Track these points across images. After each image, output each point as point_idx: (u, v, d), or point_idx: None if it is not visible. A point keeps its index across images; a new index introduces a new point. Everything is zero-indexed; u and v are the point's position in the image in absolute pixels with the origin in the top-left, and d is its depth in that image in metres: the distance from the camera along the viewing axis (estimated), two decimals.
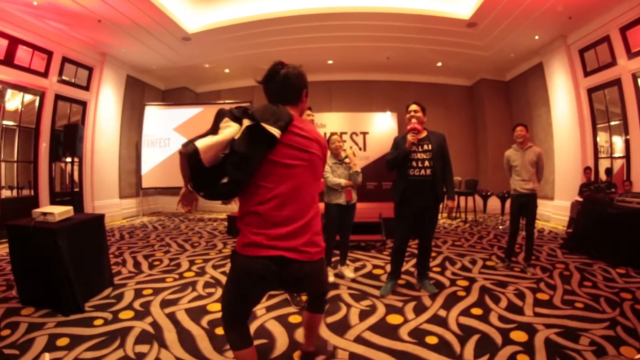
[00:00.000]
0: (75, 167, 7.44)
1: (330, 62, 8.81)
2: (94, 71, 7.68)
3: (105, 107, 7.94)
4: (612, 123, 6.60)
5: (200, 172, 1.38)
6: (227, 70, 9.31)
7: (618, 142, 6.56)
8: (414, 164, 3.20)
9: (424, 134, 3.28)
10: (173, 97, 10.10)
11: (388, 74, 9.35)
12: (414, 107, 3.28)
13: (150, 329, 2.56)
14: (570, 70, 7.07)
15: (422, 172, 3.18)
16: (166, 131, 8.83)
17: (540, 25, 6.52)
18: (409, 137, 3.14)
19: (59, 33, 6.58)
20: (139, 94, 9.25)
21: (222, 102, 9.52)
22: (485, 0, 5.76)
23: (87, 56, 7.38)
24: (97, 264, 3.29)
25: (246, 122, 1.40)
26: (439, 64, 8.83)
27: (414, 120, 3.22)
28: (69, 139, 6.47)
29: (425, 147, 3.21)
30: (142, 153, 8.80)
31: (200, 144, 1.35)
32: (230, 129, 1.41)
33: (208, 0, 6.51)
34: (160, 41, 7.18)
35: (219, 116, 1.47)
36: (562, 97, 7.33)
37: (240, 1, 6.52)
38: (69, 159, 7.17)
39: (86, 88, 7.57)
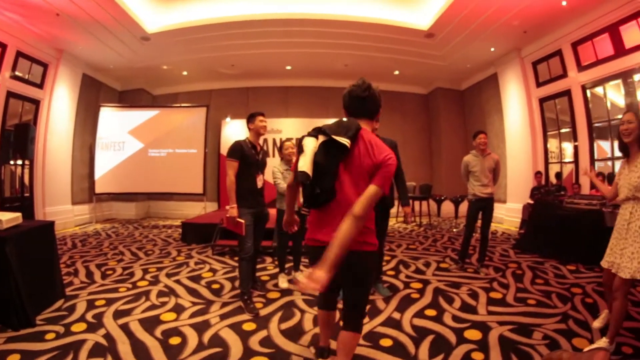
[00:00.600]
0: (26, 171, 6.99)
1: (288, 67, 8.84)
2: (49, 68, 7.27)
3: (59, 106, 7.52)
4: (562, 130, 7.04)
5: (311, 190, 1.63)
6: (185, 73, 9.12)
7: (568, 148, 6.98)
8: None
9: None
10: (129, 98, 9.70)
11: (346, 80, 9.26)
12: None
13: (103, 342, 2.46)
14: (524, 80, 7.48)
15: None
16: (121, 134, 8.50)
17: (496, 37, 6.84)
18: None
19: (14, 25, 6.15)
20: (94, 94, 8.82)
21: (178, 105, 9.31)
22: (444, 12, 5.99)
23: (42, 51, 6.98)
24: (47, 275, 3.13)
25: (321, 138, 1.65)
26: (397, 72, 9.04)
27: None
28: (20, 139, 6.03)
29: None
30: (96, 156, 8.41)
31: (304, 167, 1.60)
32: (311, 144, 1.65)
33: (169, 1, 6.36)
34: (118, 39, 6.93)
35: (300, 141, 1.73)
36: (515, 105, 7.73)
37: (201, 3, 6.41)
38: (19, 162, 6.74)
39: (40, 86, 7.14)
